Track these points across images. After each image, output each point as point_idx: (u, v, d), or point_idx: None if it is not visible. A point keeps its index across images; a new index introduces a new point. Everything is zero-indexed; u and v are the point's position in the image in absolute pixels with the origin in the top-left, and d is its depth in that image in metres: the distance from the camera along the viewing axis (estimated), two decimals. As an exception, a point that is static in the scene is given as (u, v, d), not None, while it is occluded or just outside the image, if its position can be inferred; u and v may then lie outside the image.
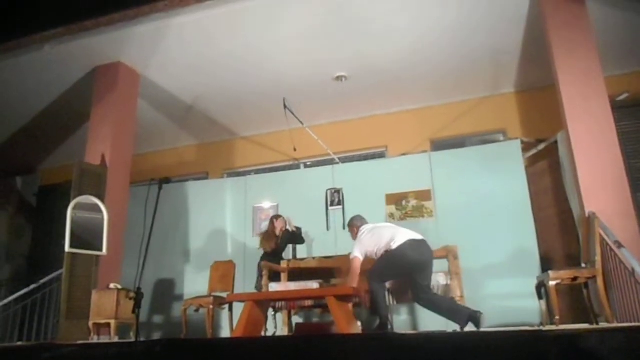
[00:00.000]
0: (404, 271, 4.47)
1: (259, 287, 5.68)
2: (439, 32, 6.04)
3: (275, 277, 5.58)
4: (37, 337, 6.39)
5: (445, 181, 6.46)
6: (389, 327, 4.39)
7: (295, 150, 7.33)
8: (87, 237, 5.52)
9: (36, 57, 6.20)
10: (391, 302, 4.96)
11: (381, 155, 7.91)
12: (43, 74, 6.56)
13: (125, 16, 5.63)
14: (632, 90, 6.62)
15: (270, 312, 5.19)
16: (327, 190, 6.95)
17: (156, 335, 6.99)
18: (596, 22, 5.38)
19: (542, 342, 2.27)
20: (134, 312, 3.44)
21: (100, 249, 5.55)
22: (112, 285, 5.41)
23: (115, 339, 5.19)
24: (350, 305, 4.72)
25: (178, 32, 5.92)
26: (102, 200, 5.74)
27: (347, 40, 6.16)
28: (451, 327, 5.20)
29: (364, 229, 4.78)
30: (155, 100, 7.37)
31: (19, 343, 5.88)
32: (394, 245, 4.42)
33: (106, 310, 5.22)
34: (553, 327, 4.04)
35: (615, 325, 3.99)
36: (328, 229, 6.78)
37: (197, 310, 5.88)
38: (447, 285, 4.85)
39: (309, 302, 4.49)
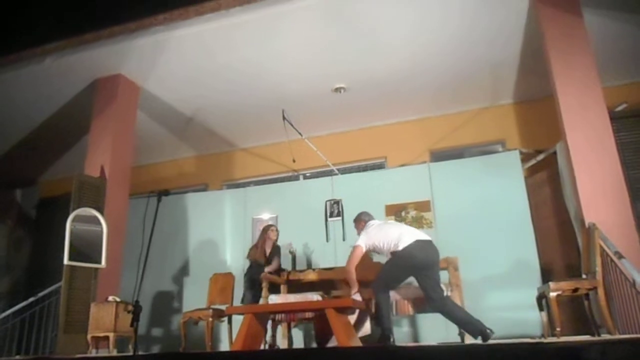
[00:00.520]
0: (411, 273, 4.41)
1: (247, 300, 5.62)
2: (438, 44, 6.08)
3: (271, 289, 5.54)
4: (35, 351, 6.34)
5: (445, 192, 6.46)
6: (391, 339, 4.34)
7: (294, 161, 7.34)
8: (86, 249, 5.51)
9: (37, 70, 6.23)
10: (395, 313, 4.93)
11: (380, 166, 7.92)
12: (43, 86, 6.59)
13: (126, 29, 5.67)
14: (631, 100, 6.65)
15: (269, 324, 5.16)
16: (326, 202, 6.94)
17: (155, 349, 6.95)
18: (594, 34, 5.41)
19: (543, 354, 2.25)
20: (132, 325, 3.42)
21: (99, 262, 5.53)
22: (110, 298, 5.38)
23: (114, 353, 5.15)
24: (355, 314, 4.70)
25: (178, 45, 5.95)
26: (101, 213, 5.73)
27: (346, 52, 6.19)
28: (450, 338, 5.18)
29: (372, 223, 4.76)
30: (154, 112, 7.39)
31: (17, 357, 5.84)
32: (401, 246, 4.37)
33: (105, 323, 5.18)
34: (554, 339, 4.02)
35: (617, 336, 3.96)
36: (327, 240, 6.77)
37: (196, 324, 5.84)
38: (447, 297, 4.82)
39: (309, 315, 4.46)
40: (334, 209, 6.90)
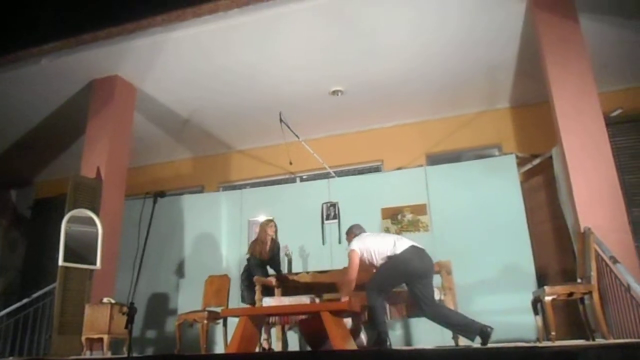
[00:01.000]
0: (405, 279, 4.42)
1: (248, 299, 5.58)
2: (435, 47, 6.10)
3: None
4: (29, 352, 6.31)
5: (441, 195, 6.47)
6: (388, 342, 4.33)
7: (291, 163, 7.33)
8: (81, 250, 5.49)
9: (33, 70, 6.21)
10: (389, 317, 4.93)
11: (377, 169, 7.93)
12: (40, 87, 6.57)
13: (123, 30, 5.65)
14: (626, 106, 6.68)
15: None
16: (322, 204, 6.94)
17: (149, 351, 6.92)
18: (590, 39, 5.44)
19: (538, 358, 2.26)
20: (127, 327, 3.41)
21: (94, 263, 5.51)
22: (105, 300, 5.36)
23: (108, 355, 5.13)
24: (348, 320, 4.70)
25: (175, 47, 5.95)
26: (97, 214, 5.72)
27: (343, 55, 6.20)
28: (446, 342, 5.18)
29: (364, 234, 4.79)
30: (151, 113, 7.38)
31: (11, 358, 5.81)
32: (397, 251, 4.38)
33: (99, 325, 5.16)
34: (549, 343, 4.02)
35: (611, 341, 3.97)
36: (324, 243, 6.77)
37: (191, 326, 5.82)
38: (440, 301, 4.83)
39: (303, 317, 4.46)
40: (331, 211, 6.90)
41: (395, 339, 5.87)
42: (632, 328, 3.96)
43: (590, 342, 4.13)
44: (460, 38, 5.93)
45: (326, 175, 7.50)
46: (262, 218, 7.11)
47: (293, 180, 8.19)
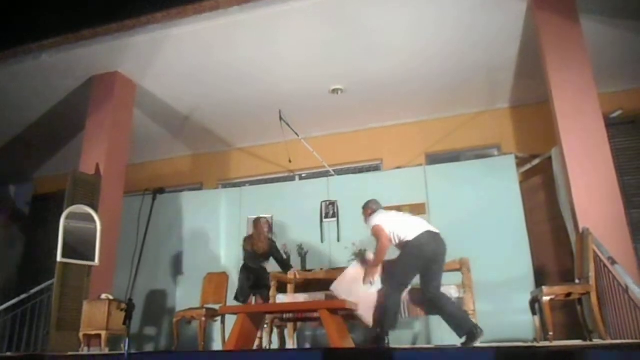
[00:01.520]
0: (423, 264, 4.33)
1: (242, 297, 5.58)
2: (436, 47, 6.09)
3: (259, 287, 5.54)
4: (27, 348, 6.31)
5: (440, 195, 6.47)
6: (387, 341, 4.27)
7: (290, 162, 7.33)
8: (79, 247, 5.49)
9: (33, 66, 6.21)
10: (407, 315, 4.90)
11: (376, 168, 7.92)
12: (39, 82, 6.56)
13: (123, 26, 5.65)
14: (626, 107, 6.68)
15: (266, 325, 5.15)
16: (321, 203, 6.94)
17: (148, 347, 6.92)
18: (590, 40, 5.44)
19: (536, 358, 2.27)
20: (125, 323, 3.40)
21: (93, 259, 5.51)
22: (103, 296, 5.37)
23: (106, 351, 5.13)
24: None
25: (175, 43, 5.94)
26: (96, 210, 5.71)
27: (344, 54, 6.20)
28: (445, 342, 5.19)
29: (381, 211, 4.75)
30: (151, 110, 7.37)
31: (9, 354, 5.81)
32: (411, 236, 4.34)
33: (97, 321, 5.16)
34: (547, 343, 4.03)
35: (608, 342, 3.97)
36: (322, 241, 6.77)
37: (189, 323, 5.82)
38: (460, 299, 4.82)
39: (317, 315, 4.39)
40: (330, 210, 6.90)
41: (394, 338, 5.86)
42: (629, 329, 3.97)
43: (588, 343, 4.13)
44: (461, 38, 5.93)
45: (325, 174, 7.50)
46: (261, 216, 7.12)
47: (292, 179, 8.18)
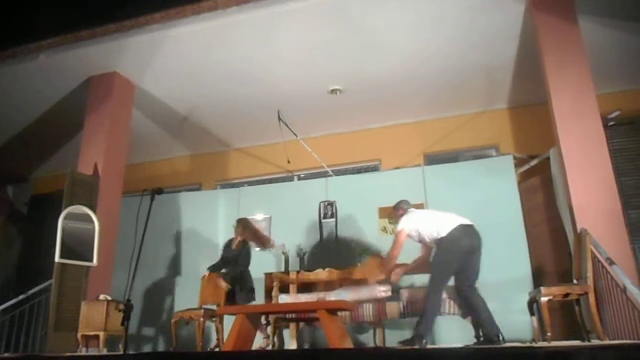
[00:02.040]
0: (461, 259, 4.30)
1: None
2: (434, 48, 6.10)
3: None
4: (25, 349, 6.30)
5: (438, 195, 6.47)
6: (425, 342, 4.19)
7: (289, 162, 7.33)
8: (77, 247, 5.48)
9: (31, 66, 6.19)
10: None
11: (375, 169, 7.93)
12: (38, 82, 6.55)
13: (122, 27, 5.64)
14: (624, 108, 6.69)
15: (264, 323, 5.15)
16: (320, 203, 6.94)
17: (145, 348, 6.91)
18: (588, 41, 5.45)
19: (533, 358, 2.26)
20: (123, 324, 3.40)
21: (91, 260, 5.50)
22: (101, 297, 5.36)
23: (104, 352, 5.12)
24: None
25: (174, 43, 5.93)
26: (94, 211, 5.71)
27: (342, 54, 6.20)
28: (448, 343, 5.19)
29: (413, 210, 4.77)
30: (149, 110, 7.36)
31: (6, 354, 5.80)
32: (444, 232, 4.32)
33: (95, 321, 5.15)
34: (545, 344, 4.03)
35: (606, 342, 3.98)
36: (321, 241, 6.76)
37: (187, 323, 5.81)
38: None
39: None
40: (328, 210, 6.90)
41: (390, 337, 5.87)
42: (627, 329, 3.97)
43: (586, 343, 4.13)
44: (459, 38, 5.93)
45: (324, 174, 7.50)
46: (259, 216, 7.13)
47: (291, 179, 8.18)
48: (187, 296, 6.49)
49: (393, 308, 5.02)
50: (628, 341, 3.91)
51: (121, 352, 4.40)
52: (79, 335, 5.19)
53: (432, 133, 7.68)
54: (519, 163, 6.71)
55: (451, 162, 7.18)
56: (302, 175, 8.21)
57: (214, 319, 5.69)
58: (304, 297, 5.07)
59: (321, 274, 5.54)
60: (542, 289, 4.27)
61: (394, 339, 5.81)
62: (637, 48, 6.12)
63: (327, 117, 7.74)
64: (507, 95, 7.26)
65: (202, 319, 5.46)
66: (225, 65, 6.35)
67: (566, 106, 5.05)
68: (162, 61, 6.24)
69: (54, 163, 8.83)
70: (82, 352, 5.15)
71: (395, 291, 5.22)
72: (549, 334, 4.12)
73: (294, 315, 4.84)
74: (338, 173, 7.61)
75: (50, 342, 5.22)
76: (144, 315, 6.96)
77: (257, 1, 5.32)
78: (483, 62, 6.41)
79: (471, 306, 4.37)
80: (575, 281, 4.48)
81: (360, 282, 5.78)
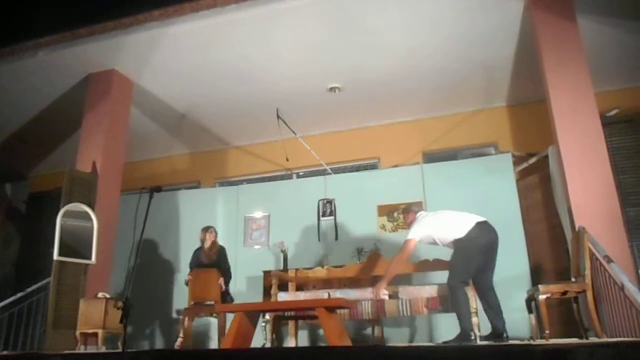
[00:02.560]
0: (481, 254, 4.29)
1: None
2: (433, 46, 6.10)
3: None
4: (23, 347, 6.29)
5: (437, 193, 6.48)
6: (473, 337, 4.18)
7: (287, 160, 7.33)
8: (76, 245, 5.47)
9: (29, 64, 6.18)
10: (407, 313, 4.90)
11: (373, 167, 7.93)
12: (36, 80, 6.54)
13: (120, 24, 5.63)
14: (623, 106, 6.70)
15: (261, 322, 5.15)
16: (319, 201, 6.95)
17: (144, 346, 6.92)
18: (587, 39, 5.45)
19: (532, 356, 2.27)
20: (121, 321, 3.40)
21: (89, 258, 5.50)
22: (100, 295, 5.36)
23: (103, 349, 5.12)
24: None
25: (172, 41, 5.92)
26: (92, 208, 5.70)
27: (341, 52, 6.20)
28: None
29: (423, 214, 4.67)
30: (148, 108, 7.36)
31: (5, 352, 5.79)
32: (463, 232, 4.30)
33: (94, 319, 5.15)
34: (543, 342, 4.04)
35: (604, 340, 3.99)
36: (319, 239, 6.77)
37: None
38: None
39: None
40: (327, 208, 6.90)
41: (393, 334, 5.88)
42: (625, 327, 3.98)
43: (584, 341, 4.15)
44: (458, 36, 5.93)
45: (323, 172, 7.50)
46: (258, 214, 7.13)
47: (289, 177, 8.19)
48: (185, 294, 6.48)
49: (392, 306, 5.02)
50: (626, 339, 3.92)
51: (120, 350, 4.40)
52: (77, 333, 5.19)
53: (431, 131, 7.68)
54: (517, 161, 6.72)
55: (450, 160, 7.19)
56: (301, 173, 8.21)
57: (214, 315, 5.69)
58: (303, 295, 5.07)
59: (319, 272, 5.54)
60: (540, 287, 4.28)
61: (392, 336, 5.84)
62: (636, 46, 6.12)
63: (325, 115, 7.74)
64: (505, 93, 7.27)
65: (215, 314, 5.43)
66: (224, 63, 6.34)
67: (565, 104, 5.06)
68: (161, 59, 6.24)
69: (53, 161, 8.82)
70: (81, 350, 5.15)
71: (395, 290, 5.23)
72: (547, 331, 4.13)
73: (292, 313, 4.84)
74: (337, 171, 7.62)
75: (49, 340, 5.22)
76: (142, 313, 6.95)
77: (255, -1, 5.31)
78: (482, 60, 6.41)
79: (486, 303, 4.37)
80: (573, 279, 4.49)
81: (359, 280, 5.80)
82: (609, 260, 4.21)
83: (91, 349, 5.19)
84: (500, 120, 7.49)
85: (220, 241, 6.23)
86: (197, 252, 6.04)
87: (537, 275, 5.88)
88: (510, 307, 5.40)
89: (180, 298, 6.65)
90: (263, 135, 8.15)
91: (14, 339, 6.27)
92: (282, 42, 6.00)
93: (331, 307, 4.08)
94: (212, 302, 5.53)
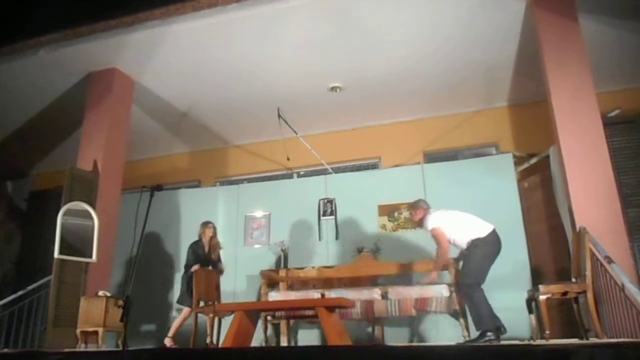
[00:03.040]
0: (493, 260, 4.46)
1: (186, 302, 5.62)
2: (434, 45, 6.09)
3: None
4: (24, 345, 6.29)
5: (438, 193, 6.47)
6: (503, 331, 4.27)
7: (288, 159, 7.33)
8: (76, 243, 5.47)
9: (31, 62, 6.18)
10: (397, 313, 4.92)
11: (374, 166, 7.93)
12: (37, 78, 6.54)
13: (122, 23, 5.63)
14: (624, 107, 6.69)
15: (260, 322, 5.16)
16: (319, 200, 6.95)
17: (145, 344, 6.91)
18: (588, 39, 5.44)
19: (532, 356, 2.28)
20: (122, 320, 3.40)
21: (90, 256, 5.50)
22: (100, 293, 5.36)
23: (103, 348, 5.13)
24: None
25: (174, 40, 5.92)
26: (93, 207, 5.70)
27: (343, 52, 6.19)
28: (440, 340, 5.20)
29: (433, 211, 4.76)
30: (149, 107, 7.36)
31: (5, 350, 5.79)
32: (484, 233, 4.44)
33: (94, 318, 5.15)
34: (543, 342, 4.04)
35: (604, 340, 3.99)
36: (320, 239, 6.77)
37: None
38: (449, 298, 4.84)
39: (309, 312, 4.44)
40: (327, 207, 6.90)
41: (393, 334, 5.88)
42: (625, 327, 3.98)
43: (584, 341, 4.14)
44: (459, 36, 5.92)
45: (323, 172, 7.50)
46: (258, 213, 7.13)
47: (290, 176, 8.18)
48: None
49: (380, 306, 5.03)
50: (626, 339, 3.92)
51: (120, 348, 4.40)
52: (78, 331, 5.19)
53: (432, 131, 7.68)
54: (518, 161, 6.71)
55: (451, 160, 7.19)
56: (301, 173, 8.21)
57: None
58: (293, 295, 5.07)
59: (310, 272, 5.54)
60: (541, 287, 4.28)
61: (392, 336, 5.83)
62: (637, 47, 6.11)
63: (326, 114, 7.74)
64: (507, 93, 7.26)
65: (211, 315, 5.41)
66: (225, 62, 6.34)
67: (566, 104, 5.05)
68: (162, 58, 6.24)
69: (54, 159, 8.82)
70: (81, 348, 5.16)
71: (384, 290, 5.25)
72: (547, 332, 4.13)
73: (284, 313, 4.85)
74: (337, 170, 7.62)
75: (50, 338, 5.22)
76: (143, 311, 6.96)
77: (257, -2, 5.31)
78: (483, 60, 6.40)
79: (472, 302, 4.40)
80: (573, 279, 4.49)
81: (352, 280, 5.79)
82: (610, 261, 4.21)
83: (92, 347, 5.19)
84: (502, 121, 7.48)
85: (221, 240, 6.23)
86: (195, 248, 5.95)
87: (537, 276, 5.87)
88: (510, 307, 5.39)
89: (181, 297, 6.66)
90: (264, 134, 8.15)
91: (14, 337, 6.27)
92: (284, 41, 6.00)
93: (331, 307, 4.09)
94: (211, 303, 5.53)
